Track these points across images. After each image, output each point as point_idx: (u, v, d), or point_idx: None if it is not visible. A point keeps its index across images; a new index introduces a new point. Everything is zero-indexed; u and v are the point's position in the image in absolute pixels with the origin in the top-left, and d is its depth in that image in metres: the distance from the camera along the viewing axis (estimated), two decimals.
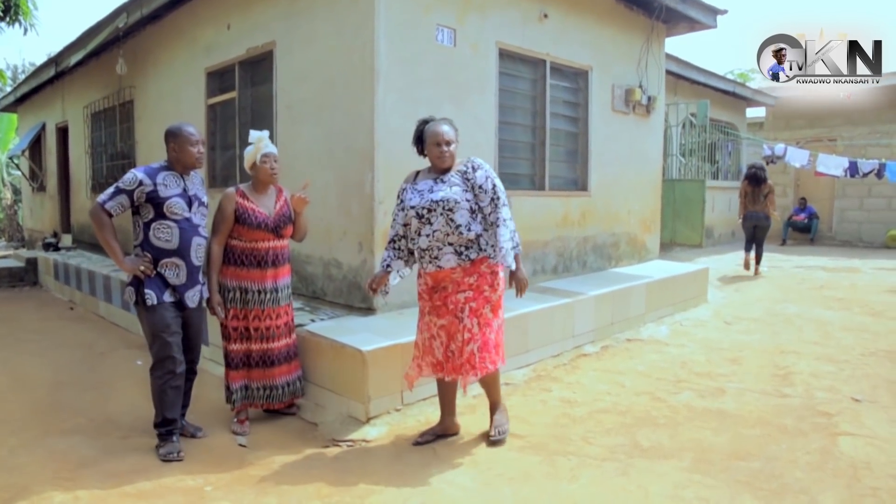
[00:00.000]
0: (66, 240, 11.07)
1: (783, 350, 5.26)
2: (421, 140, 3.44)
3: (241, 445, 3.56)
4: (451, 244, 3.29)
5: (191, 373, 3.67)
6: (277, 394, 3.84)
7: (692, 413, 3.93)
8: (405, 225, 3.41)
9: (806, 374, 4.62)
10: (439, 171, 3.40)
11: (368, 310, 4.76)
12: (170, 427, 3.40)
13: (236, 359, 3.76)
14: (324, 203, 5.08)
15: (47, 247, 10.70)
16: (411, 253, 3.48)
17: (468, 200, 3.30)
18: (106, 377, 4.92)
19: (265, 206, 3.72)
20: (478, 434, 3.63)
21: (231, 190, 3.72)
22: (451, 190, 3.29)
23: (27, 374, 5.02)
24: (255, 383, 3.80)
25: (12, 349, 5.86)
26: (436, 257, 3.31)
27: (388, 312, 4.76)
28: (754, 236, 9.06)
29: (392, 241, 3.46)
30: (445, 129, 3.36)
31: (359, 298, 4.85)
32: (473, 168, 3.37)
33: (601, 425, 3.76)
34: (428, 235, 3.30)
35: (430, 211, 3.28)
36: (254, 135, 3.78)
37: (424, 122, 3.45)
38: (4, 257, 11.93)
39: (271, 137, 5.65)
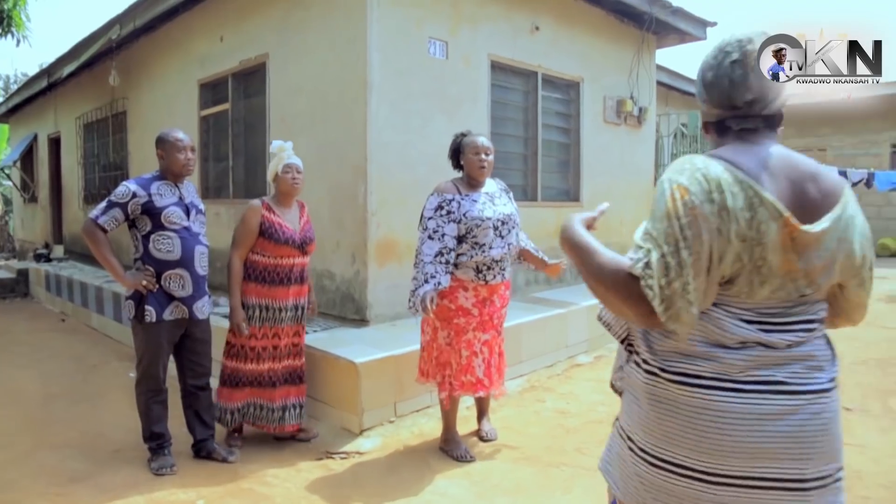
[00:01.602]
0: (58, 251, 11.04)
1: None
2: (457, 152, 3.46)
3: (228, 461, 3.51)
4: (511, 256, 3.47)
5: (204, 389, 3.51)
6: (291, 414, 3.63)
7: None
8: (468, 235, 3.28)
9: None
10: (477, 183, 3.42)
11: (362, 321, 4.76)
12: (159, 441, 3.37)
13: (245, 378, 3.55)
14: (317, 215, 5.07)
15: (39, 258, 10.64)
16: (455, 266, 3.34)
17: None
18: (98, 390, 4.90)
19: (290, 221, 3.56)
20: (471, 446, 3.63)
21: (257, 202, 3.54)
22: (512, 205, 3.51)
23: (18, 387, 4.98)
24: (268, 403, 3.57)
25: (3, 362, 5.81)
26: (503, 269, 3.39)
27: (381, 324, 4.76)
28: None
29: (440, 253, 3.23)
30: (485, 139, 3.47)
31: (352, 310, 4.86)
32: (508, 188, 3.63)
33: (595, 436, 3.76)
34: (502, 247, 3.34)
35: (503, 223, 3.36)
36: (275, 144, 3.62)
37: (462, 136, 3.48)
38: None
39: (264, 149, 5.69)
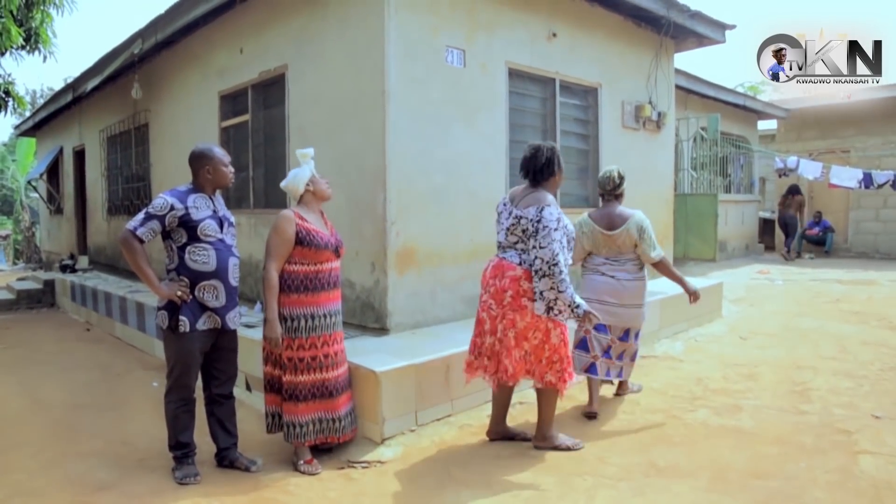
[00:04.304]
0: (83, 261, 11.22)
1: (800, 365, 5.20)
2: (555, 166, 3.57)
3: (251, 470, 3.52)
4: None
5: (229, 398, 3.56)
6: (342, 425, 3.60)
7: (708, 431, 3.89)
8: (568, 244, 3.51)
9: (824, 390, 4.57)
10: None
11: (382, 330, 4.77)
12: (185, 450, 3.41)
13: (304, 391, 3.48)
14: (336, 224, 5.09)
15: (64, 268, 10.84)
16: None
17: None
18: (123, 399, 4.97)
19: (320, 227, 3.56)
20: (491, 455, 3.62)
21: (288, 212, 3.49)
22: None
23: (45, 396, 5.07)
24: (329, 414, 3.54)
25: (30, 371, 5.92)
26: None
27: (401, 333, 4.77)
28: (787, 232, 12.94)
29: (566, 264, 3.42)
30: None
31: (372, 319, 4.87)
32: None
33: (616, 444, 3.73)
34: None
35: None
36: (307, 151, 3.59)
37: (554, 148, 3.61)
38: (23, 279, 12.09)
39: (284, 159, 5.75)
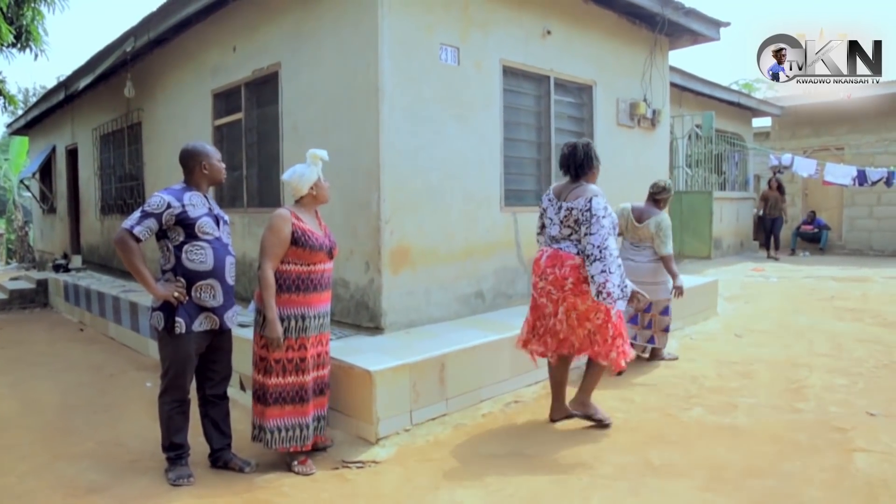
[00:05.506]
0: (76, 261, 11.17)
1: (795, 363, 5.20)
2: (596, 157, 3.86)
3: (244, 471, 3.50)
4: None
5: (223, 398, 3.54)
6: (321, 425, 3.58)
7: (704, 429, 3.89)
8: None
9: (818, 387, 4.57)
10: None
11: (376, 329, 4.75)
12: (178, 451, 3.38)
13: (290, 393, 3.42)
14: (330, 223, 5.07)
15: (57, 268, 10.79)
16: None
17: None
18: (116, 400, 4.93)
19: (314, 228, 3.51)
20: (486, 454, 3.61)
21: (285, 211, 3.43)
22: None
23: (37, 398, 5.03)
24: (308, 417, 3.47)
25: (23, 371, 5.88)
26: None
27: (395, 332, 4.75)
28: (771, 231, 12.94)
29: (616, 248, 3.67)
30: None
31: (366, 318, 4.85)
32: None
33: (612, 443, 3.72)
34: None
35: None
36: (320, 153, 3.56)
37: (589, 144, 3.87)
38: (15, 279, 12.02)
39: (278, 158, 5.72)
